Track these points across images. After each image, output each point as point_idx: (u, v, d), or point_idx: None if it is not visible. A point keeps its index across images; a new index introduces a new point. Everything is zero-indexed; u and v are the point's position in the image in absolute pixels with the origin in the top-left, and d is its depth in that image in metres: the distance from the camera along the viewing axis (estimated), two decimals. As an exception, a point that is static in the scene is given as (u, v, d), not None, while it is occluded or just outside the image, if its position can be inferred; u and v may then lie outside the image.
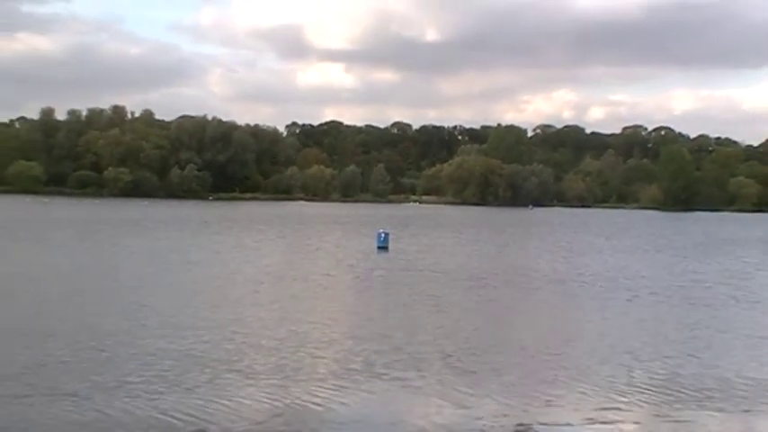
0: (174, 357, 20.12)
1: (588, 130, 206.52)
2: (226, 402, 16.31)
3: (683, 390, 18.41)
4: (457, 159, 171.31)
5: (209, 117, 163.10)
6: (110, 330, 23.25)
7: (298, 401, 16.50)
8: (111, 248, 50.52)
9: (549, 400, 17.24)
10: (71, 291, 31.96)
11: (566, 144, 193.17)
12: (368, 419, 15.63)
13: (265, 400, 16.58)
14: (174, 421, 15.00)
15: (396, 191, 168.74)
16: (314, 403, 16.48)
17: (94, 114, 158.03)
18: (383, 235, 55.01)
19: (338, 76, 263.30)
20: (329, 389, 17.68)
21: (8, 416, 15.20)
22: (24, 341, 21.57)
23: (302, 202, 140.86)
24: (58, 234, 60.71)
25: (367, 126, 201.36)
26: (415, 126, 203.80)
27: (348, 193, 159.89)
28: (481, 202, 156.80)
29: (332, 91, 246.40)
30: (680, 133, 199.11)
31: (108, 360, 19.67)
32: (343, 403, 16.62)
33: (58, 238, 56.85)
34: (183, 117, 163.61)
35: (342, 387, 17.85)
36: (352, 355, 21.13)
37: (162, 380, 17.80)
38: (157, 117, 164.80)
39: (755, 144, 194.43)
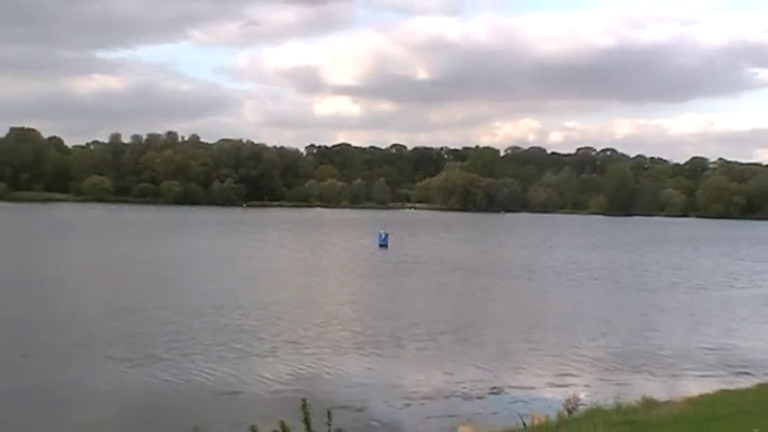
0: (235, 331, 20.33)
1: (549, 151, 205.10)
2: (280, 366, 16.54)
3: (624, 359, 18.59)
4: (443, 174, 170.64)
5: (244, 140, 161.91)
6: (178, 309, 23.49)
7: (310, 369, 16.61)
8: (170, 244, 50.42)
9: (517, 368, 17.39)
10: (143, 277, 32.11)
11: (531, 162, 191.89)
12: (371, 383, 15.75)
13: (296, 365, 16.71)
14: (246, 382, 15.23)
15: (394, 199, 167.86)
16: (329, 370, 16.61)
17: (153, 138, 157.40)
18: (383, 235, 53.90)
19: (347, 107, 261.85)
20: (347, 357, 17.84)
21: (115, 374, 15.52)
22: (116, 316, 21.90)
23: (318, 209, 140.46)
24: (128, 233, 60.81)
25: (370, 147, 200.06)
26: (410, 147, 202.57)
27: (355, 201, 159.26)
28: (463, 208, 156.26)
29: (342, 119, 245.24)
30: (622, 154, 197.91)
31: (182, 332, 19.92)
32: (354, 370, 16.79)
33: (128, 236, 56.91)
34: (222, 140, 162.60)
35: (356, 356, 18.02)
36: (368, 330, 21.23)
37: (230, 349, 18.01)
38: (202, 140, 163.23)
39: (681, 162, 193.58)
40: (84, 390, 14.54)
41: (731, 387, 12.47)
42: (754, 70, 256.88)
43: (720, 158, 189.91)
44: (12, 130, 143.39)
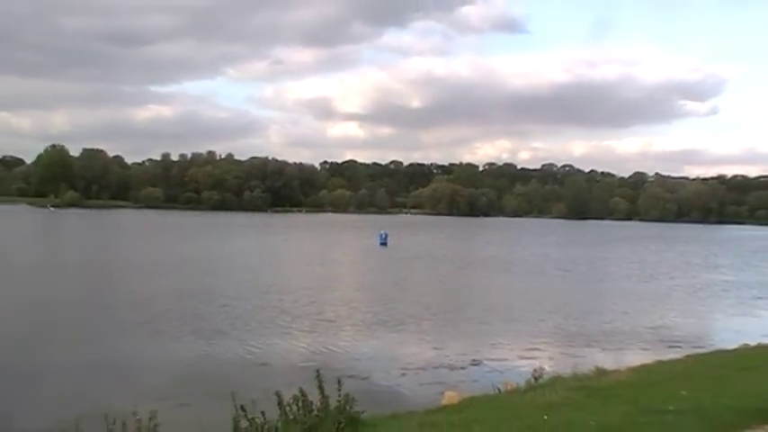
0: (275, 311, 20.41)
1: (519, 166, 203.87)
2: (303, 342, 16.49)
3: (582, 336, 18.65)
4: (433, 185, 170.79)
5: (270, 158, 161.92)
6: (227, 293, 23.54)
7: (327, 344, 16.61)
8: (214, 242, 50.21)
9: (494, 344, 17.46)
10: (197, 268, 32.10)
11: (504, 175, 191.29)
12: (374, 356, 15.78)
13: (316, 341, 16.63)
14: (276, 355, 15.21)
15: (392, 206, 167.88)
16: (341, 345, 16.64)
17: (196, 156, 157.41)
18: (384, 235, 53.31)
19: (354, 131, 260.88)
20: (355, 335, 17.88)
21: (172, 346, 15.51)
22: (177, 299, 21.95)
23: (330, 214, 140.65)
24: (179, 233, 60.76)
25: (373, 163, 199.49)
26: (405, 163, 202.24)
27: (360, 207, 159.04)
28: (449, 213, 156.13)
29: (350, 140, 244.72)
30: (578, 169, 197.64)
31: (231, 312, 19.99)
32: (361, 345, 16.84)
33: (180, 236, 56.81)
34: (252, 158, 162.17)
35: (363, 334, 18.06)
36: (373, 312, 21.22)
37: (276, 326, 18.06)
38: (236, 158, 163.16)
39: (626, 176, 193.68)
40: (146, 358, 14.61)
41: (665, 358, 12.54)
42: (683, 102, 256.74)
43: (657, 173, 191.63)
44: (84, 150, 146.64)
